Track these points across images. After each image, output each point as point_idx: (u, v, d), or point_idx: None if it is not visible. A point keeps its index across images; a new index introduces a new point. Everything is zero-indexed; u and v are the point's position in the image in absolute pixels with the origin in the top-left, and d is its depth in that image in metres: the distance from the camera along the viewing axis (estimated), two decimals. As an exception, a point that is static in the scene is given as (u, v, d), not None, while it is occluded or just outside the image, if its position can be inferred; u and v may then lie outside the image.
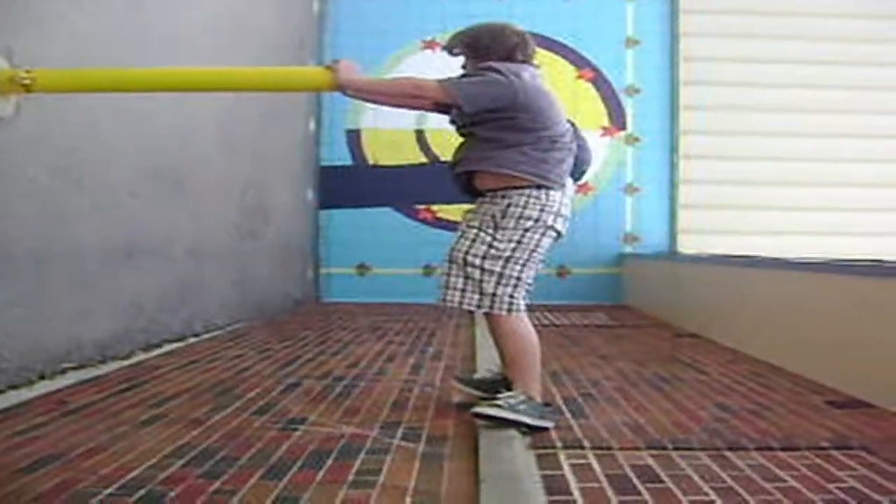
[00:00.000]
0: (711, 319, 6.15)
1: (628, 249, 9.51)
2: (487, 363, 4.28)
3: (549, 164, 3.28)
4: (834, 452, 2.91)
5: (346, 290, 9.43)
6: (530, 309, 3.35)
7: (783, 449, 2.94)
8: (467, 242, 3.29)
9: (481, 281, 3.25)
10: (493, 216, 3.28)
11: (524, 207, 3.25)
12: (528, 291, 3.36)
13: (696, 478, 2.58)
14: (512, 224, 3.25)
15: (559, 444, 2.98)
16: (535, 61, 3.48)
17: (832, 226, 9.24)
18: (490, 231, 3.27)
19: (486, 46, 3.39)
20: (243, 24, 6.78)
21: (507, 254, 3.26)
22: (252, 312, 6.99)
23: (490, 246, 3.25)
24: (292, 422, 3.23)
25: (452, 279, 3.30)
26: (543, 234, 3.30)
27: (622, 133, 9.63)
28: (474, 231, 3.30)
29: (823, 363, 4.28)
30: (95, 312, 4.48)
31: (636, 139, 9.62)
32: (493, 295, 3.26)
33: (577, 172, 3.69)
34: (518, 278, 3.28)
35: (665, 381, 4.29)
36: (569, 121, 3.50)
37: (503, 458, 2.70)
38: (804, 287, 4.64)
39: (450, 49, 3.53)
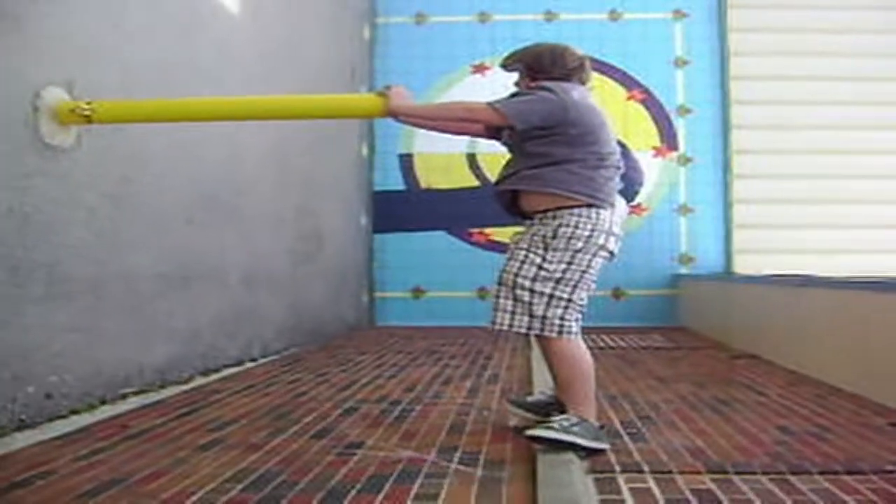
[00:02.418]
0: (769, 340, 6.06)
1: (683, 270, 9.42)
2: (544, 386, 4.25)
3: (597, 183, 3.26)
4: (901, 476, 2.85)
5: (401, 313, 9.46)
6: (586, 331, 3.33)
7: (847, 472, 2.88)
8: (517, 264, 3.28)
9: (531, 303, 3.24)
10: (544, 237, 3.26)
11: (575, 227, 3.23)
12: (581, 314, 3.34)
13: (758, 503, 2.54)
14: (563, 245, 3.23)
15: (618, 468, 2.95)
16: (589, 86, 3.48)
17: (891, 243, 9.07)
18: (540, 252, 3.25)
19: (545, 67, 3.40)
20: (295, 51, 6.87)
21: (558, 275, 3.23)
22: (307, 337, 7.04)
23: (540, 267, 3.24)
24: (350, 446, 3.24)
25: (502, 301, 3.30)
26: (595, 255, 3.27)
27: (674, 153, 9.57)
28: (523, 252, 3.29)
29: (885, 384, 4.19)
30: (154, 338, 4.55)
31: (689, 159, 9.56)
32: (544, 317, 3.24)
33: (630, 193, 3.67)
34: (569, 300, 3.26)
35: (724, 404, 4.23)
36: (619, 142, 3.50)
37: (562, 482, 2.68)
38: (863, 306, 4.55)
39: (506, 65, 3.55)
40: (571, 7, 9.66)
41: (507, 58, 3.55)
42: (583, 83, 3.42)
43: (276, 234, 6.52)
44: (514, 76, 3.55)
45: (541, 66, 3.43)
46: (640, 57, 9.61)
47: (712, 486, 2.74)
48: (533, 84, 3.39)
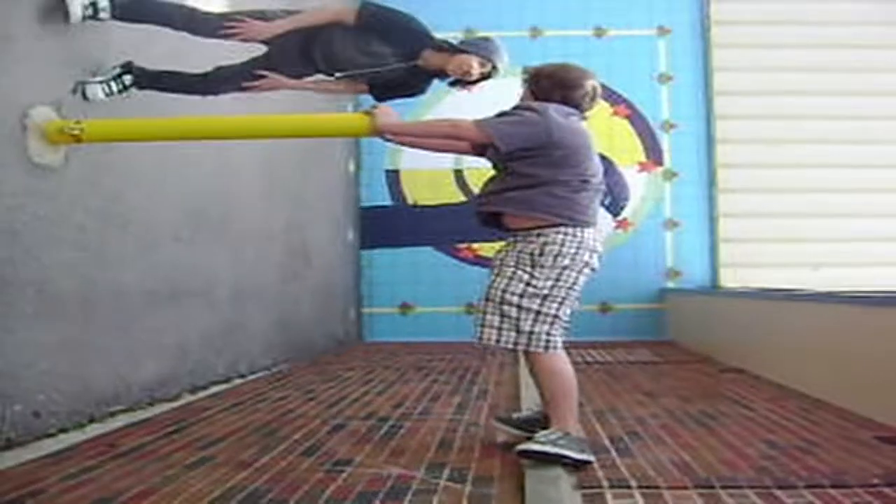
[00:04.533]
0: (756, 354, 6.08)
1: (670, 285, 9.45)
2: (531, 403, 4.27)
3: (580, 205, 3.31)
4: (886, 490, 2.87)
5: (389, 329, 9.46)
6: (574, 346, 3.36)
7: (833, 486, 2.90)
8: (504, 281, 3.32)
9: (518, 319, 3.28)
10: (531, 254, 3.30)
11: (562, 245, 3.27)
12: (565, 329, 3.38)
13: (745, 516, 2.56)
14: (550, 262, 3.27)
15: (605, 484, 2.96)
16: (586, 112, 3.51)
17: (875, 256, 9.12)
18: (528, 269, 3.29)
19: (538, 81, 3.44)
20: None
21: (545, 292, 3.28)
22: (295, 353, 7.03)
23: (528, 284, 3.28)
24: (339, 463, 3.25)
25: (489, 317, 3.33)
26: (580, 272, 3.32)
27: (660, 168, 9.62)
28: (511, 269, 3.33)
29: (871, 397, 4.22)
30: (142, 355, 4.54)
31: (674, 174, 9.60)
32: (530, 333, 3.28)
33: (616, 208, 3.71)
34: (555, 316, 3.30)
35: (711, 418, 4.25)
36: (604, 157, 3.53)
37: (550, 498, 2.70)
38: (849, 320, 4.58)
39: (524, 76, 3.58)
40: (556, 23, 9.71)
41: (529, 69, 3.58)
42: (574, 106, 3.44)
43: (263, 251, 6.52)
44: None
45: (543, 87, 3.46)
46: (624, 73, 9.64)
47: (699, 500, 2.76)
48: (521, 104, 3.44)
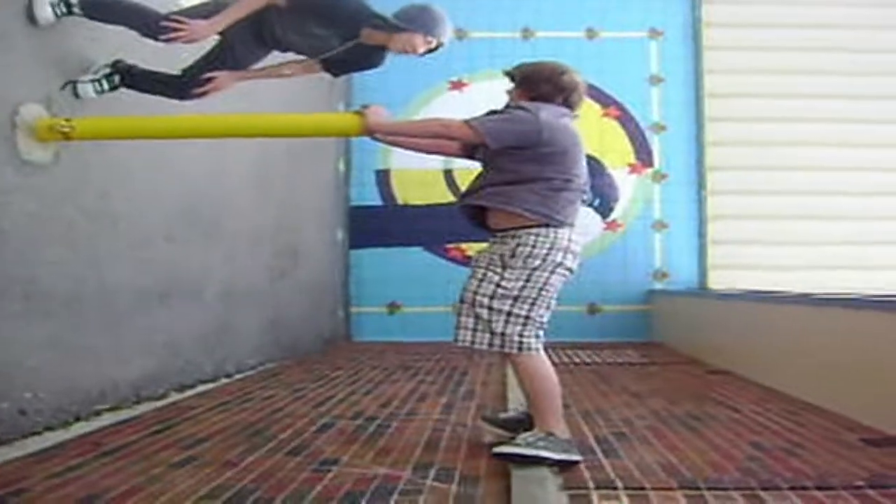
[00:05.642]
0: (743, 356, 6.10)
1: (658, 286, 9.46)
2: (518, 403, 4.27)
3: (559, 204, 3.32)
4: (870, 492, 2.88)
5: (377, 329, 9.44)
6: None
7: (818, 488, 2.92)
8: (476, 282, 3.36)
9: (489, 321, 3.31)
10: (502, 255, 3.33)
11: (532, 247, 3.28)
12: (542, 330, 3.39)
13: (730, 518, 2.57)
14: (520, 263, 3.29)
15: (591, 485, 2.97)
16: (577, 111, 3.52)
17: (863, 259, 9.14)
18: (498, 271, 3.32)
19: (536, 84, 3.44)
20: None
21: (515, 293, 3.30)
22: (284, 352, 7.03)
23: (497, 286, 3.30)
24: (325, 463, 3.25)
25: (464, 319, 3.38)
26: (552, 273, 3.33)
27: (649, 170, 9.62)
28: (482, 271, 3.37)
29: (858, 400, 4.23)
30: (130, 354, 4.53)
31: (663, 176, 9.61)
32: (503, 334, 3.31)
33: (605, 209, 3.71)
34: (527, 317, 3.32)
35: (697, 420, 4.26)
36: (593, 159, 3.54)
37: (536, 498, 2.70)
38: (836, 323, 4.60)
39: (511, 75, 3.58)
40: (548, 25, 9.70)
41: (513, 68, 3.58)
42: (569, 107, 3.46)
43: (253, 250, 6.51)
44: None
45: (532, 83, 3.46)
46: (615, 74, 9.64)
47: (684, 502, 2.77)
48: (511, 103, 3.45)
